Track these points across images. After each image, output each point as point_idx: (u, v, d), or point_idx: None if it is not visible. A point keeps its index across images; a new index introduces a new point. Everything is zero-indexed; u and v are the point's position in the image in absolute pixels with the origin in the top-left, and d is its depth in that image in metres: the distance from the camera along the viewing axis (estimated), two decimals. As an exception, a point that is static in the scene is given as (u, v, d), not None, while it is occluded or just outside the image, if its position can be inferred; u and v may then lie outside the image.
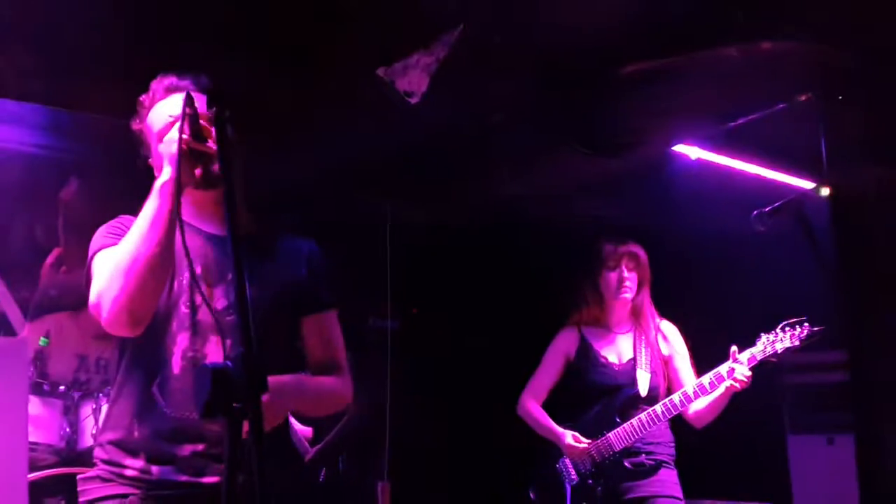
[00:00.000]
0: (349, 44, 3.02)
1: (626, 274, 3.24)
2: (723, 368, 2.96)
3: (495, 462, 4.29)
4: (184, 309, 1.88)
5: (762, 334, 2.91)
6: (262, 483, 1.16)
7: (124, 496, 1.84)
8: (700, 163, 3.59)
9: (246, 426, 1.27)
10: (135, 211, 1.98)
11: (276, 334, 1.93)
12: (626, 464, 3.14)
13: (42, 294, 3.62)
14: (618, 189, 3.73)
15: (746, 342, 3.02)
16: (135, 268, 1.74)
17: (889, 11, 2.16)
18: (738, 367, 2.91)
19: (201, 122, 1.76)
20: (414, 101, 3.12)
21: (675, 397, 3.07)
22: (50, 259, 3.64)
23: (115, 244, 1.85)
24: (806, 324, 2.74)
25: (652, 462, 3.14)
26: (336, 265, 2.13)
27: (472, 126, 3.31)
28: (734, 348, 2.93)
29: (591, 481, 3.18)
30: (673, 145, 3.37)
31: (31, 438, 2.95)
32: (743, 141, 3.57)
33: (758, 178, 3.74)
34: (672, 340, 3.29)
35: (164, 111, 1.94)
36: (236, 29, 2.84)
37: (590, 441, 3.16)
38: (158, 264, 1.76)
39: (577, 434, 3.20)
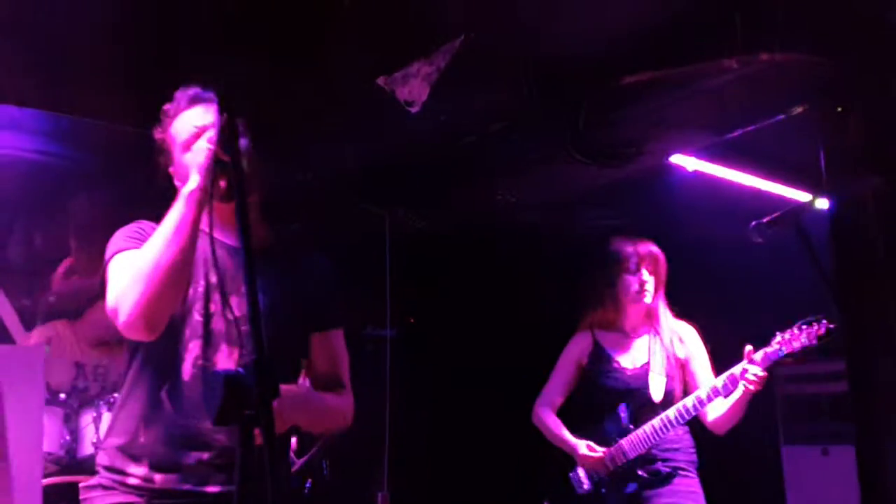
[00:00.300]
0: (348, 52, 3.04)
1: (645, 277, 3.09)
2: (736, 369, 2.82)
3: (495, 471, 4.29)
4: (197, 317, 1.89)
5: (777, 333, 2.78)
6: (275, 491, 1.16)
7: None
8: (697, 174, 3.62)
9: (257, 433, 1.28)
10: (141, 217, 2.00)
11: (285, 348, 1.93)
12: (639, 472, 3.01)
13: (43, 302, 3.63)
14: (615, 199, 3.74)
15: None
16: (156, 273, 1.75)
17: (885, 21, 2.19)
18: (751, 367, 2.78)
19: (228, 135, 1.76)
20: (414, 109, 3.15)
21: (689, 401, 2.94)
22: (61, 269, 3.66)
23: (135, 248, 1.87)
24: (824, 321, 2.59)
25: (668, 469, 2.99)
26: (341, 276, 2.14)
27: (471, 135, 3.32)
28: (749, 348, 2.81)
29: (603, 490, 3.06)
30: (670, 156, 3.37)
31: (30, 446, 2.94)
32: (739, 152, 3.60)
33: (754, 189, 3.77)
34: (689, 343, 3.14)
35: (189, 121, 1.96)
36: (236, 36, 2.85)
37: (605, 450, 3.04)
38: (179, 271, 1.77)
39: (591, 444, 3.07)
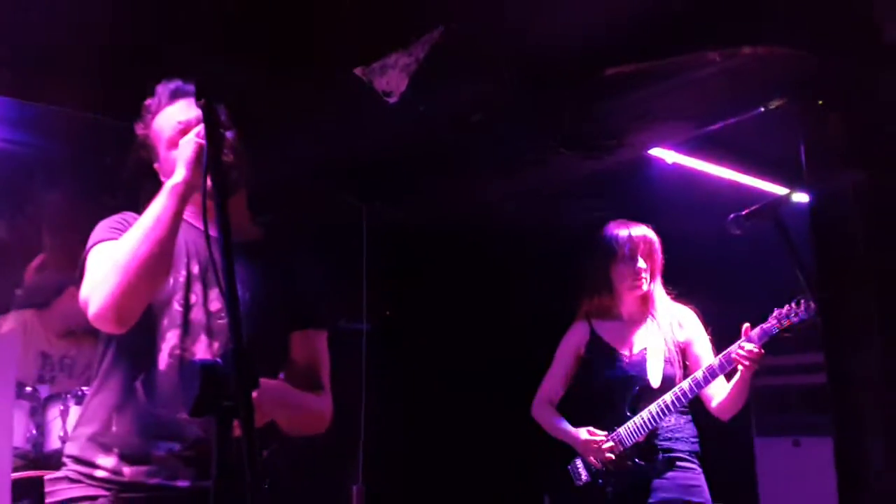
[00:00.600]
0: (327, 42, 3.00)
1: (641, 265, 2.99)
2: (732, 348, 2.75)
3: (471, 465, 4.28)
4: (176, 307, 1.85)
5: (775, 309, 2.71)
6: (255, 483, 1.13)
7: (94, 498, 1.79)
8: (676, 167, 3.63)
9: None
10: (108, 210, 1.96)
11: (263, 343, 1.87)
12: (637, 461, 2.90)
13: (10, 293, 3.56)
14: (596, 191, 3.73)
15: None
16: (131, 266, 1.71)
17: (867, 16, 2.19)
18: (746, 344, 2.72)
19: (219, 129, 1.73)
20: (392, 100, 3.11)
21: (685, 384, 2.85)
22: (35, 263, 3.60)
23: (116, 238, 1.83)
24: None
25: (666, 459, 2.90)
26: (319, 272, 2.11)
27: (450, 126, 3.30)
28: (746, 325, 2.75)
29: (601, 481, 2.97)
30: (652, 148, 3.37)
31: (-3, 440, 2.88)
32: (719, 145, 3.61)
33: (733, 183, 3.79)
34: (688, 327, 3.04)
35: (173, 117, 1.93)
36: (211, 26, 2.80)
37: (605, 435, 2.95)
38: (155, 265, 1.73)
39: (591, 428, 2.99)
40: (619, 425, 2.95)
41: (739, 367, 2.74)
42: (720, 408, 2.91)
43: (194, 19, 2.76)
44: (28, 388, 3.07)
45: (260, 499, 1.15)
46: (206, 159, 1.66)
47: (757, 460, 5.18)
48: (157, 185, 1.84)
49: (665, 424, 2.92)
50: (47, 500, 1.87)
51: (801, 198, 2.87)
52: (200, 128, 1.76)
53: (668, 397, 2.87)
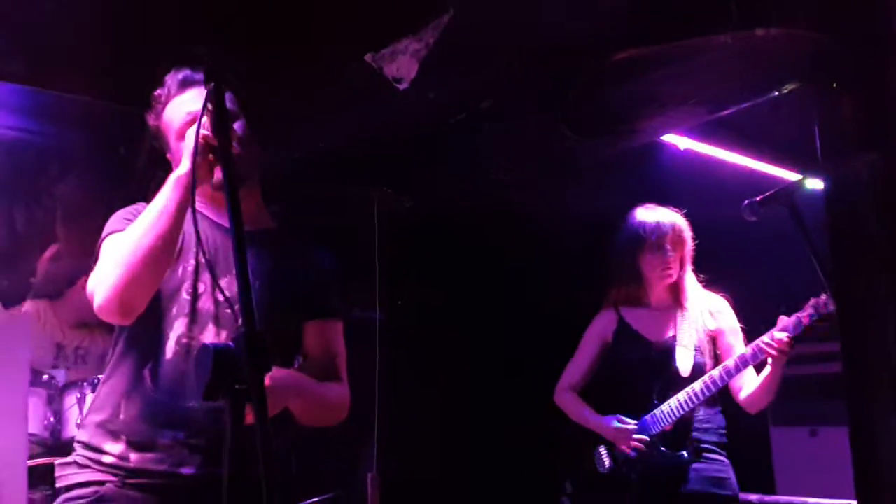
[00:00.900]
0: (334, 29, 3.00)
1: (670, 255, 2.94)
2: (765, 337, 2.69)
3: (486, 453, 4.28)
4: (185, 295, 1.86)
5: (811, 298, 2.65)
6: (269, 467, 1.13)
7: (101, 483, 1.82)
8: (689, 153, 3.60)
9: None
10: (121, 199, 1.97)
11: (275, 333, 1.87)
12: (663, 449, 2.86)
13: (23, 283, 3.59)
14: (608, 177, 3.71)
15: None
16: (134, 258, 1.72)
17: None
18: (777, 333, 2.65)
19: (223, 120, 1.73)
20: (402, 86, 3.10)
21: (716, 372, 2.79)
22: (48, 254, 3.63)
23: (125, 230, 1.84)
24: None
25: (693, 449, 2.85)
26: (333, 261, 2.11)
27: (461, 112, 3.28)
28: (782, 315, 2.71)
29: (625, 468, 2.93)
30: (663, 134, 3.34)
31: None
32: (732, 131, 3.58)
33: (746, 168, 3.76)
34: (720, 316, 2.99)
35: (182, 108, 1.93)
36: (219, 13, 2.80)
37: (635, 424, 2.90)
38: (158, 257, 1.74)
39: (621, 417, 2.93)
40: (646, 413, 2.91)
41: (769, 358, 2.68)
42: (749, 400, 2.87)
43: (207, 6, 2.76)
44: (45, 376, 3.11)
45: (273, 483, 1.15)
46: (216, 148, 1.67)
47: (773, 450, 5.16)
48: (167, 175, 1.84)
49: (693, 414, 2.86)
50: (57, 484, 1.91)
51: (815, 183, 2.85)
52: (205, 118, 1.74)
53: (696, 386, 2.82)
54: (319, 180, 3.83)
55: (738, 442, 3.03)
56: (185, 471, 1.81)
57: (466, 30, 2.84)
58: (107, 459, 1.83)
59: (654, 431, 2.89)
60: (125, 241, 1.76)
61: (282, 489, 1.87)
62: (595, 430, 3.01)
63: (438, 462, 4.12)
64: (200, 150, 1.74)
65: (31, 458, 2.86)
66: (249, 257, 1.88)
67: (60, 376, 3.19)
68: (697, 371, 2.89)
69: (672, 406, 2.86)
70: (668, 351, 2.94)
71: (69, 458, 1.90)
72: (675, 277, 2.98)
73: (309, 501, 3.31)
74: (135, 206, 1.94)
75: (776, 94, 2.66)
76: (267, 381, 1.64)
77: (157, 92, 1.98)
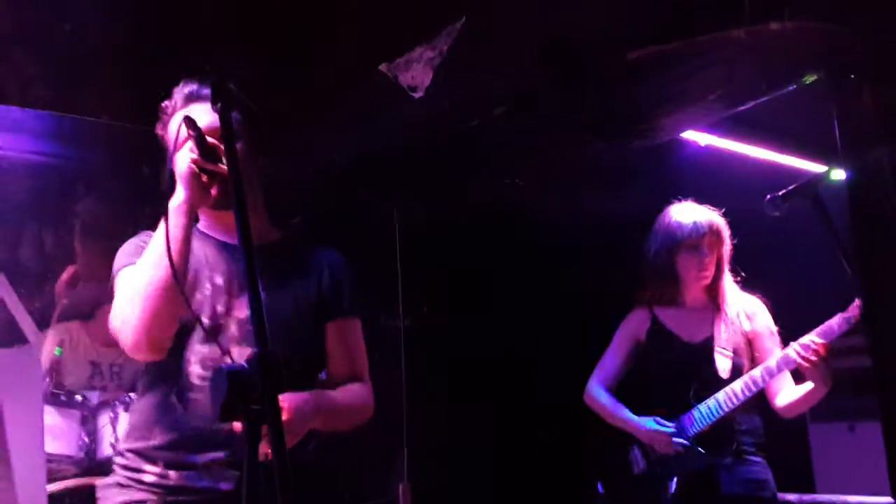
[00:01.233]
0: (349, 40, 3.01)
1: (706, 256, 2.88)
2: (806, 337, 2.64)
3: (515, 459, 4.26)
4: (205, 320, 1.88)
5: (857, 298, 2.55)
6: (285, 484, 1.14)
7: (142, 502, 1.86)
8: (710, 149, 3.56)
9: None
10: (147, 219, 2.00)
11: (300, 344, 1.93)
12: (700, 450, 2.80)
13: (56, 303, 3.64)
14: (629, 178, 3.68)
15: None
16: (149, 292, 1.74)
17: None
18: (817, 338, 2.59)
19: (210, 140, 1.76)
20: (417, 95, 3.11)
21: (757, 372, 2.73)
22: (65, 276, 3.68)
23: (136, 263, 1.87)
24: None
25: (733, 452, 2.80)
26: (352, 265, 2.13)
27: (478, 119, 3.28)
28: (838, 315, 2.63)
29: (660, 470, 2.88)
30: (681, 132, 3.31)
31: (51, 450, 2.96)
32: (752, 126, 3.54)
33: (768, 163, 3.71)
34: (757, 318, 2.93)
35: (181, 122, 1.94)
36: (237, 27, 2.83)
37: (673, 425, 2.85)
38: (174, 287, 1.73)
39: (658, 418, 2.86)
40: (683, 413, 2.85)
41: (804, 363, 2.62)
42: (786, 407, 2.82)
43: (228, 24, 2.79)
44: (78, 397, 3.15)
45: (289, 499, 1.16)
46: (207, 170, 1.68)
47: (812, 446, 5.08)
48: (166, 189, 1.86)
49: (732, 415, 2.81)
50: None
51: (838, 175, 2.79)
52: (191, 143, 1.78)
53: (737, 386, 2.76)
54: (339, 190, 3.84)
55: (775, 439, 2.98)
56: (225, 486, 1.83)
57: (481, 35, 2.84)
58: (147, 479, 1.86)
59: (691, 432, 2.84)
60: (138, 277, 1.77)
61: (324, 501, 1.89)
62: (630, 430, 2.94)
63: (469, 469, 4.12)
64: (192, 176, 1.76)
65: (65, 478, 2.92)
66: (262, 273, 1.91)
67: (94, 397, 3.23)
68: (736, 373, 2.84)
69: (711, 406, 2.80)
70: (705, 352, 2.88)
71: (110, 479, 1.94)
72: (711, 279, 2.93)
73: (342, 512, 3.32)
74: (139, 238, 1.97)
75: (795, 86, 2.62)
76: (286, 415, 1.69)
77: (165, 103, 2.01)
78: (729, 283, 2.99)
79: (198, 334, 1.88)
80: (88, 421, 3.11)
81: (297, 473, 1.77)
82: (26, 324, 3.64)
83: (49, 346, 3.41)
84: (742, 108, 2.87)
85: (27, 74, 2.94)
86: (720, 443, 2.82)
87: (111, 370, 3.60)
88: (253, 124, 2.01)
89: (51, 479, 2.86)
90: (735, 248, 3.03)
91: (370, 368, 2.12)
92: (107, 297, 3.58)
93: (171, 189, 2.02)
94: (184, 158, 1.79)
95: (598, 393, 3.04)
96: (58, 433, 3.00)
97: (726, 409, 2.78)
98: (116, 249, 2.00)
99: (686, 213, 2.95)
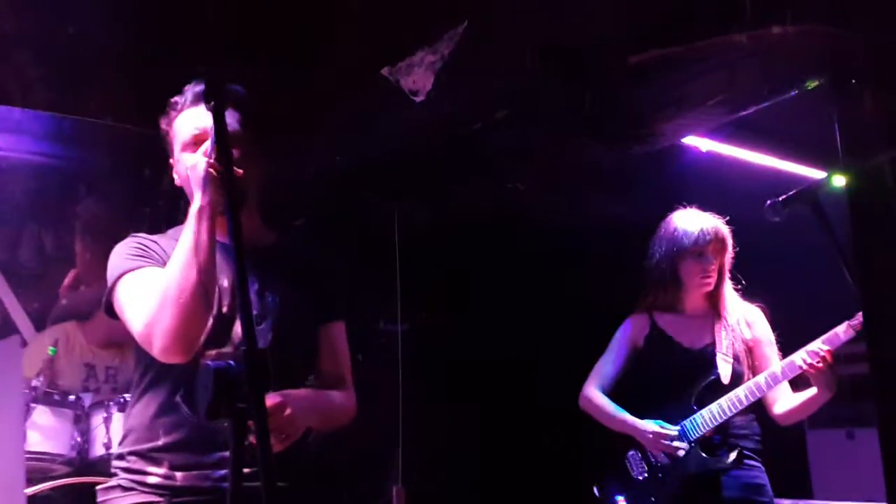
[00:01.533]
0: (350, 43, 3.00)
1: (711, 263, 2.89)
2: (814, 345, 2.65)
3: (511, 464, 4.25)
4: (211, 321, 1.85)
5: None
6: (270, 482, 1.12)
7: None
8: (711, 155, 3.55)
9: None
10: (147, 219, 1.99)
11: (298, 344, 1.95)
12: (703, 455, 2.81)
13: (54, 304, 3.63)
14: (630, 183, 3.67)
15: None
16: (183, 296, 1.74)
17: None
18: (824, 345, 2.59)
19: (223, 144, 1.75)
20: (419, 99, 3.10)
21: (761, 378, 2.74)
22: (67, 281, 3.67)
23: (141, 266, 1.87)
24: None
25: (734, 457, 2.80)
26: (345, 269, 2.14)
27: (479, 122, 3.27)
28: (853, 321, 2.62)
29: (661, 475, 2.87)
30: (683, 137, 3.30)
31: (43, 449, 2.96)
32: (753, 131, 3.52)
33: (769, 169, 3.69)
34: (756, 326, 2.95)
35: (191, 121, 1.95)
36: (238, 30, 2.83)
37: (676, 430, 2.85)
38: (205, 290, 1.76)
39: (661, 422, 2.86)
40: (684, 418, 2.85)
41: (810, 370, 2.64)
42: (785, 414, 2.84)
43: (229, 26, 2.78)
44: (72, 397, 3.13)
45: (275, 497, 1.14)
46: (212, 178, 1.69)
47: (809, 453, 5.06)
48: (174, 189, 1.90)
49: (731, 421, 2.81)
50: None
51: (839, 182, 2.78)
52: (207, 145, 1.79)
53: (740, 392, 2.77)
54: (339, 193, 3.83)
55: (774, 445, 2.98)
56: None
57: (482, 38, 2.83)
58: (152, 480, 1.84)
59: (692, 437, 2.84)
60: (168, 281, 1.77)
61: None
62: (630, 433, 2.93)
63: (463, 473, 4.10)
64: (211, 181, 1.77)
65: (58, 477, 2.90)
66: (260, 275, 1.91)
67: (87, 397, 3.22)
68: (736, 379, 2.84)
69: (714, 412, 2.81)
70: (707, 358, 2.89)
71: (112, 482, 1.91)
72: (713, 286, 2.93)
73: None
74: (134, 240, 1.95)
75: (797, 91, 2.60)
76: (289, 410, 1.71)
77: (175, 99, 2.01)
78: (730, 290, 2.99)
79: (205, 335, 1.84)
80: (81, 420, 3.09)
81: (298, 470, 1.83)
82: (24, 324, 3.64)
83: (42, 345, 3.40)
84: (743, 113, 2.86)
85: (28, 76, 2.93)
86: (721, 448, 2.83)
87: (107, 372, 3.58)
88: (253, 125, 2.00)
89: (42, 479, 2.86)
90: (735, 255, 3.02)
91: (367, 371, 2.12)
92: (113, 315, 3.60)
93: (172, 185, 2.03)
94: (200, 162, 1.80)
95: (595, 396, 3.03)
96: (50, 433, 2.98)
97: (729, 415, 2.79)
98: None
99: (692, 220, 2.95)
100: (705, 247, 2.88)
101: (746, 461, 2.84)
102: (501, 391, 4.21)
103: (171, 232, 2.02)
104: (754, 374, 2.86)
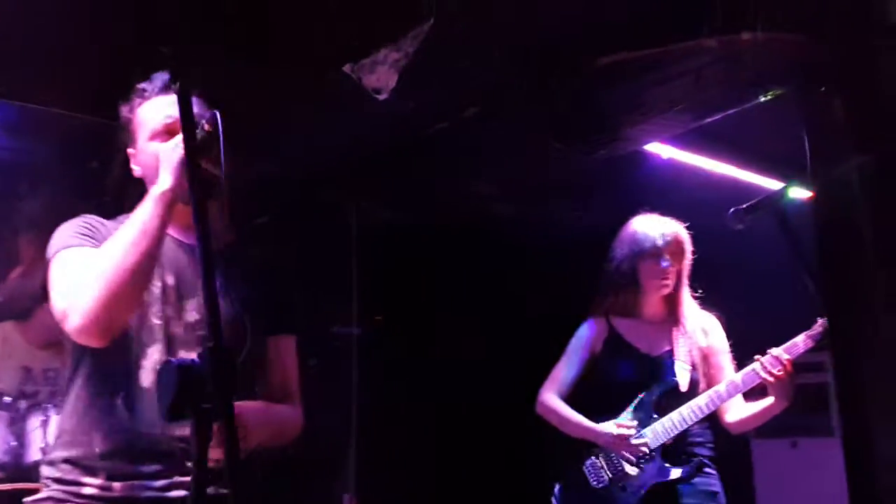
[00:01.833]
0: (312, 38, 2.94)
1: (668, 266, 2.89)
2: (776, 351, 2.67)
3: (468, 471, 4.21)
4: (155, 321, 1.78)
5: (818, 318, 2.61)
6: (236, 487, 1.04)
7: None
8: (671, 162, 3.57)
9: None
10: (90, 211, 1.89)
11: (247, 352, 1.79)
12: (666, 465, 2.82)
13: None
14: (590, 188, 3.67)
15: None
16: (117, 276, 1.63)
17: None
18: (784, 353, 2.64)
19: (203, 135, 1.67)
20: (382, 97, 3.04)
21: (721, 387, 2.76)
22: (13, 275, 3.51)
23: (83, 245, 1.76)
24: None
25: (695, 464, 2.82)
26: (300, 270, 2.07)
27: (442, 122, 3.22)
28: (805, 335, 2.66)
29: (621, 484, 2.84)
30: (648, 142, 3.30)
31: (-26, 452, 2.81)
32: (713, 140, 3.55)
33: (728, 178, 3.73)
34: (712, 334, 2.96)
35: (162, 109, 1.87)
36: (196, 23, 2.74)
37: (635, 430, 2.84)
38: (144, 274, 1.67)
39: (619, 421, 2.84)
40: (645, 426, 2.84)
41: (770, 378, 2.66)
42: (738, 422, 2.86)
43: (184, 19, 2.69)
44: (7, 399, 2.99)
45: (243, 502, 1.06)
46: (185, 158, 1.60)
47: (754, 462, 5.13)
48: (131, 179, 1.80)
49: (689, 429, 2.82)
50: None
51: (798, 192, 2.83)
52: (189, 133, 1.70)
53: (700, 401, 2.78)
54: (296, 192, 3.75)
55: (719, 454, 2.99)
56: (175, 494, 1.71)
57: (449, 36, 2.79)
58: (87, 491, 1.72)
59: (653, 446, 2.83)
60: (106, 259, 1.67)
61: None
62: (591, 438, 2.90)
63: (417, 482, 4.04)
64: (183, 166, 1.67)
65: (-10, 484, 2.76)
66: (217, 276, 1.81)
67: (23, 401, 3.08)
68: (693, 387, 2.86)
69: (675, 420, 2.81)
70: (665, 365, 2.89)
71: (42, 495, 1.78)
72: (670, 289, 2.94)
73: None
74: (83, 219, 1.86)
75: (761, 99, 2.62)
76: (244, 421, 1.60)
77: (142, 85, 1.92)
78: (688, 297, 3.01)
79: (146, 334, 1.77)
80: (16, 423, 2.95)
81: (245, 478, 1.74)
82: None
83: None
84: (708, 119, 2.87)
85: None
86: (681, 456, 2.84)
87: (45, 375, 3.43)
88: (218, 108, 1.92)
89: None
90: (692, 262, 3.03)
91: (321, 376, 2.05)
92: (46, 295, 3.46)
93: (123, 175, 1.93)
94: (177, 147, 1.70)
95: (552, 401, 3.00)
96: (-18, 436, 2.84)
97: (689, 423, 2.80)
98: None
99: (652, 224, 2.97)
100: (664, 249, 2.90)
101: (705, 469, 2.85)
102: (460, 397, 4.16)
103: (121, 217, 1.90)
104: (708, 382, 2.87)
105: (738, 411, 2.86)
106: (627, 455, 2.84)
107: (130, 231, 1.67)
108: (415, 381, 4.08)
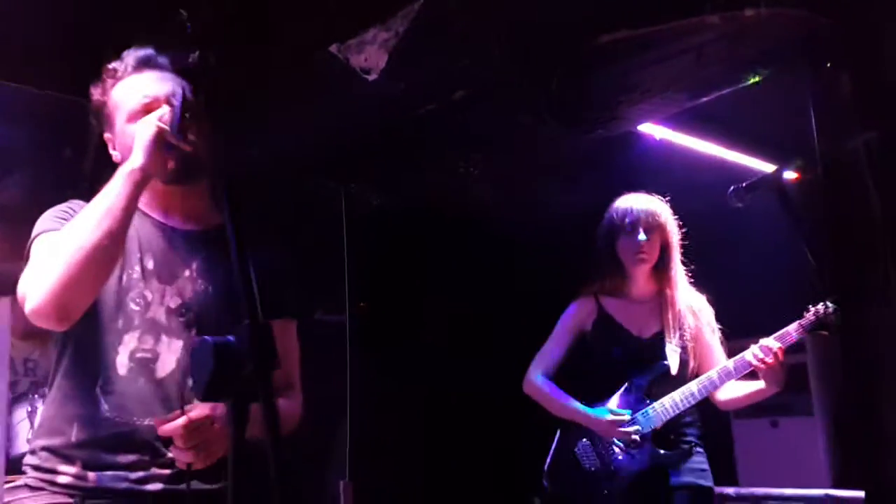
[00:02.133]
0: (301, 20, 2.87)
1: (642, 239, 2.89)
2: (767, 340, 2.70)
3: (463, 456, 4.19)
4: (133, 306, 1.72)
5: (810, 306, 2.66)
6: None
7: None
8: (664, 143, 3.56)
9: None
10: (71, 197, 1.83)
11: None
12: (658, 448, 2.82)
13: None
14: (582, 170, 3.64)
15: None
16: (76, 257, 1.57)
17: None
18: (775, 343, 2.67)
19: (184, 115, 1.63)
20: (371, 78, 2.98)
21: (714, 373, 2.78)
22: None
23: (58, 230, 1.69)
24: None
25: (684, 446, 2.85)
26: (289, 255, 2.01)
27: (432, 104, 3.17)
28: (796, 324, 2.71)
29: (614, 467, 2.85)
30: (644, 122, 3.28)
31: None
32: (706, 121, 3.55)
33: (721, 160, 3.74)
34: (701, 314, 2.96)
35: (138, 89, 1.79)
36: (181, 2, 2.65)
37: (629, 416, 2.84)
38: (104, 258, 1.59)
39: (613, 408, 2.85)
40: (634, 409, 2.85)
41: (761, 366, 2.68)
42: (728, 401, 2.89)
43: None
44: (-11, 390, 2.89)
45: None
46: (160, 145, 1.59)
47: (735, 441, 5.19)
48: (108, 161, 1.76)
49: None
50: None
51: (789, 175, 2.84)
52: (164, 110, 1.66)
53: (693, 386, 2.80)
54: (285, 176, 3.68)
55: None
56: (151, 487, 1.67)
57: (439, 16, 2.73)
58: (62, 480, 1.68)
59: (645, 430, 2.83)
60: (67, 239, 1.61)
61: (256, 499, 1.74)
62: (582, 422, 2.91)
63: (413, 467, 4.02)
64: (155, 143, 1.63)
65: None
66: (201, 260, 1.76)
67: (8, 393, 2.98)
68: (683, 369, 2.87)
69: (667, 405, 2.82)
70: (656, 347, 2.89)
71: (19, 482, 1.75)
72: (649, 262, 2.94)
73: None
74: (68, 204, 1.79)
75: (760, 78, 2.61)
76: (217, 425, 1.57)
77: (113, 65, 1.84)
78: (678, 276, 2.99)
79: (124, 320, 1.71)
80: (2, 414, 2.85)
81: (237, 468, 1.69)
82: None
83: None
84: (705, 98, 2.85)
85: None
86: (674, 439, 2.86)
87: (25, 365, 3.34)
88: (203, 97, 1.86)
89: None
90: (684, 244, 3.04)
91: (312, 362, 1.99)
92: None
93: (99, 160, 1.86)
94: (149, 124, 1.65)
95: (541, 382, 2.99)
96: (-32, 430, 2.74)
97: (683, 408, 2.82)
98: (29, 234, 1.80)
99: (626, 200, 2.99)
100: (636, 223, 2.91)
101: (696, 449, 2.89)
102: (453, 381, 4.14)
103: None
104: (699, 363, 2.89)
105: (728, 391, 2.88)
106: (619, 441, 2.85)
107: (93, 210, 1.61)
108: (407, 365, 4.04)
